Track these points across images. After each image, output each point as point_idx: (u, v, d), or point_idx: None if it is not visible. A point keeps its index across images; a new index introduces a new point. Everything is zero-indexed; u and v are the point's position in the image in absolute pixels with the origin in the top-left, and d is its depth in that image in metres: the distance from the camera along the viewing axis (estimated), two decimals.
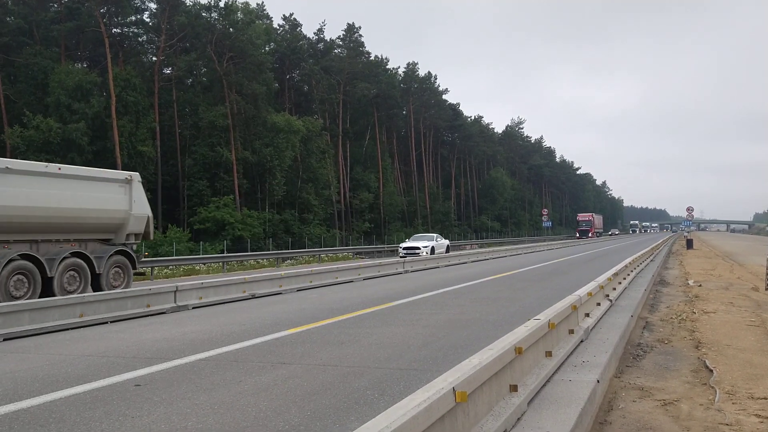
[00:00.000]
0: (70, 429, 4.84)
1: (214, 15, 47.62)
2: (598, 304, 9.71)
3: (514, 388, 4.65)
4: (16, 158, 36.64)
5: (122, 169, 39.21)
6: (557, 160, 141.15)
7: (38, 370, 7.08)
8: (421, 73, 79.56)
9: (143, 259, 20.70)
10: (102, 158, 40.30)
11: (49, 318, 10.16)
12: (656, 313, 12.03)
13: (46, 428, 4.87)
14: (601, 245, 57.03)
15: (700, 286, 17.14)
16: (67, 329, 10.22)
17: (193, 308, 12.91)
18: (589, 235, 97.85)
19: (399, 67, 77.76)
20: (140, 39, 50.12)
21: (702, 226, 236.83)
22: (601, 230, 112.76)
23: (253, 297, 14.80)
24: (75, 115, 37.94)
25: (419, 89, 78.46)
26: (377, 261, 26.69)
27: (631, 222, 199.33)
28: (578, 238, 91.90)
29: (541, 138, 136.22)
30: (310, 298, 14.77)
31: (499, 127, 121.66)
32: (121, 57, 45.00)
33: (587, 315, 8.52)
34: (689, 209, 54.67)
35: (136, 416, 5.14)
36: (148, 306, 12.05)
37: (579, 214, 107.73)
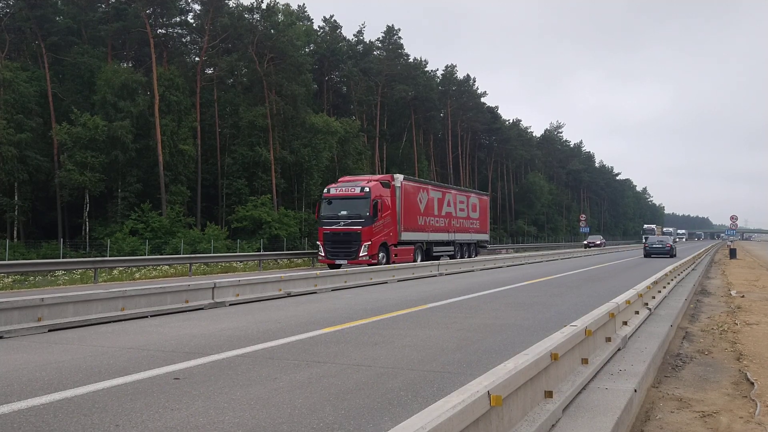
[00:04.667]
0: (113, 419, 4.98)
1: (256, 16, 48.28)
2: (637, 313, 9.55)
3: (549, 395, 4.62)
4: (64, 154, 37.92)
5: (164, 168, 40.17)
6: (596, 165, 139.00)
7: (81, 361, 7.29)
8: (460, 75, 79.33)
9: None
10: (144, 156, 41.26)
11: (92, 311, 10.45)
12: (697, 323, 11.77)
13: (89, 417, 5.02)
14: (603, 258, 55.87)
15: (743, 296, 16.69)
16: (109, 322, 10.50)
17: (230, 305, 13.11)
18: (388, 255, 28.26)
19: (437, 69, 77.95)
20: (184, 39, 51.13)
21: (746, 235, 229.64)
22: (485, 242, 40.72)
23: (289, 295, 14.97)
24: (120, 113, 38.91)
25: (457, 92, 78.21)
26: (411, 263, 26.68)
27: (645, 226, 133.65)
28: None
29: (581, 143, 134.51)
30: (344, 298, 14.87)
31: (537, 131, 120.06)
32: (165, 57, 45.94)
33: (625, 323, 8.39)
34: (733, 218, 53.21)
35: (176, 409, 5.27)
36: (187, 302, 12.29)
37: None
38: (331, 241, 26.77)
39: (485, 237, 40.13)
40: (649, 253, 44.21)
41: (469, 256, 35.07)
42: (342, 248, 26.44)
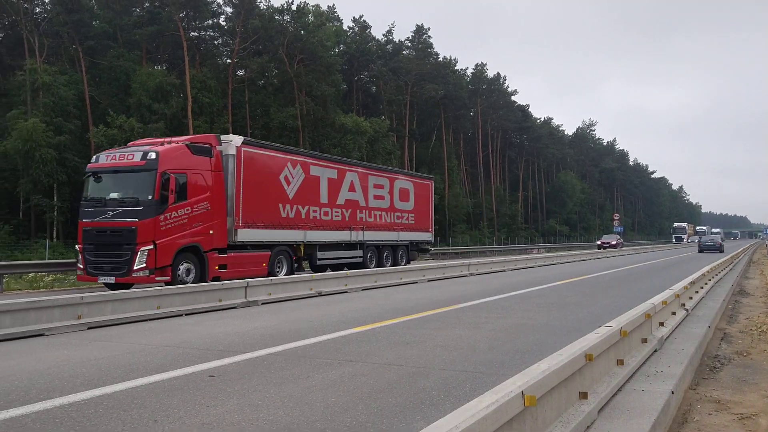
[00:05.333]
0: (151, 414, 5.09)
1: (287, 18, 48.71)
2: (674, 314, 9.39)
3: (584, 396, 4.58)
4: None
5: None
6: (630, 163, 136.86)
7: (120, 358, 7.46)
8: (490, 74, 78.89)
9: None
10: None
11: (129, 309, 10.67)
12: (735, 324, 11.52)
13: (128, 413, 5.14)
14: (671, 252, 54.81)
15: None
16: (145, 320, 10.70)
17: (263, 304, 13.26)
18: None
19: (467, 68, 77.67)
20: (216, 42, 51.82)
21: None
22: (425, 243, 29.20)
23: (320, 295, 15.06)
24: (155, 115, 39.64)
25: (487, 90, 77.82)
26: (442, 263, 26.64)
27: (675, 225, 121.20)
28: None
29: (614, 140, 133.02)
30: (374, 297, 14.90)
31: (568, 130, 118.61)
32: (198, 59, 46.63)
33: (661, 324, 8.25)
34: None
35: (211, 405, 5.35)
36: (220, 300, 12.46)
37: None
38: (92, 245, 16.30)
39: (425, 236, 28.54)
40: (702, 249, 54.99)
41: (394, 264, 25.10)
42: (107, 256, 16.06)
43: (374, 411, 5.21)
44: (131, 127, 37.93)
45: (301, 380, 6.27)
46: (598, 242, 66.55)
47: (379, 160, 54.44)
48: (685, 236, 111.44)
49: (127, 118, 38.76)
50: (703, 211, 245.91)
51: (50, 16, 43.64)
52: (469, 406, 3.23)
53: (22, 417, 5.06)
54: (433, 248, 50.32)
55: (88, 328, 9.80)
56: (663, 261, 36.68)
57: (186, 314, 11.51)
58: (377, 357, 7.46)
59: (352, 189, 23.24)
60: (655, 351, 7.21)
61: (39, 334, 9.17)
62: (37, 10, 45.05)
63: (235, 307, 12.59)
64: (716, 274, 18.32)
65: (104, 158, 17.03)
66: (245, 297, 13.03)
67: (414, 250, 28.03)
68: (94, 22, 45.41)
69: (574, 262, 34.72)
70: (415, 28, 66.98)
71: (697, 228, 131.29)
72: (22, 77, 38.90)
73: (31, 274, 20.55)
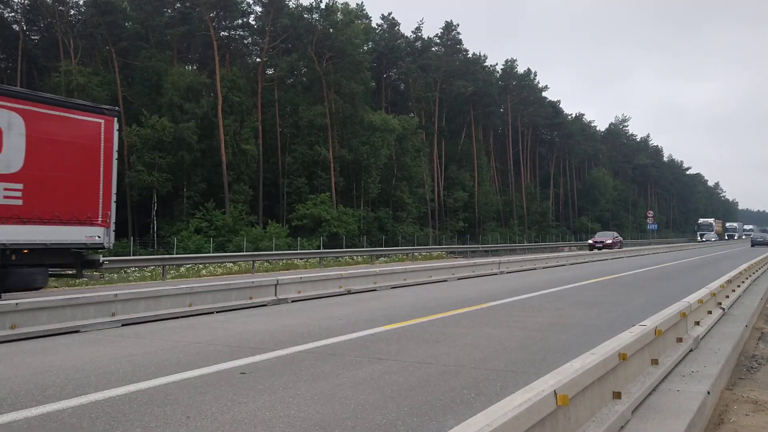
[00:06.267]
0: (184, 410, 5.15)
1: (316, 16, 48.91)
2: (710, 312, 9.19)
3: (617, 395, 4.50)
4: (133, 155, 39.42)
5: (227, 167, 41.13)
6: (665, 159, 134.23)
7: (153, 355, 7.57)
8: (520, 69, 78.12)
9: None
10: (208, 156, 42.45)
11: (162, 306, 10.82)
12: None
13: (162, 409, 5.21)
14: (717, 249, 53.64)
15: None
16: (177, 317, 10.84)
17: (292, 301, 13.33)
18: None
19: (497, 64, 77.09)
20: (246, 41, 52.26)
21: None
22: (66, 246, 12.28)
23: (349, 293, 15.10)
24: (186, 115, 40.15)
25: (518, 86, 77.03)
26: (471, 261, 26.51)
27: (701, 221, 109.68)
28: None
29: (648, 136, 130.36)
30: (404, 295, 14.88)
31: (600, 126, 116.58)
32: (228, 59, 47.08)
33: (697, 323, 8.09)
34: None
35: (242, 402, 5.40)
36: (251, 298, 12.57)
37: None
38: None
39: (73, 234, 12.28)
40: (754, 244, 64.45)
41: None
42: None
43: (405, 409, 5.20)
44: (163, 126, 38.51)
45: (332, 378, 6.28)
46: (589, 241, 53.02)
47: (408, 158, 54.29)
48: (712, 233, 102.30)
49: (159, 118, 39.35)
50: (740, 208, 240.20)
51: (84, 18, 44.52)
52: (501, 404, 3.20)
53: (58, 412, 5.17)
54: (462, 246, 50.16)
55: (122, 325, 9.97)
56: (698, 259, 35.96)
57: (217, 312, 11.63)
58: (407, 355, 7.45)
59: None
60: (691, 350, 7.08)
61: (74, 331, 9.36)
62: (72, 12, 46.00)
63: (265, 305, 12.69)
64: (753, 273, 17.89)
65: None
66: (275, 295, 13.13)
67: (40, 265, 12.27)
68: (126, 24, 46.19)
69: (606, 260, 34.23)
70: (444, 25, 66.60)
71: (727, 225, 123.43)
72: (58, 78, 39.77)
73: None
